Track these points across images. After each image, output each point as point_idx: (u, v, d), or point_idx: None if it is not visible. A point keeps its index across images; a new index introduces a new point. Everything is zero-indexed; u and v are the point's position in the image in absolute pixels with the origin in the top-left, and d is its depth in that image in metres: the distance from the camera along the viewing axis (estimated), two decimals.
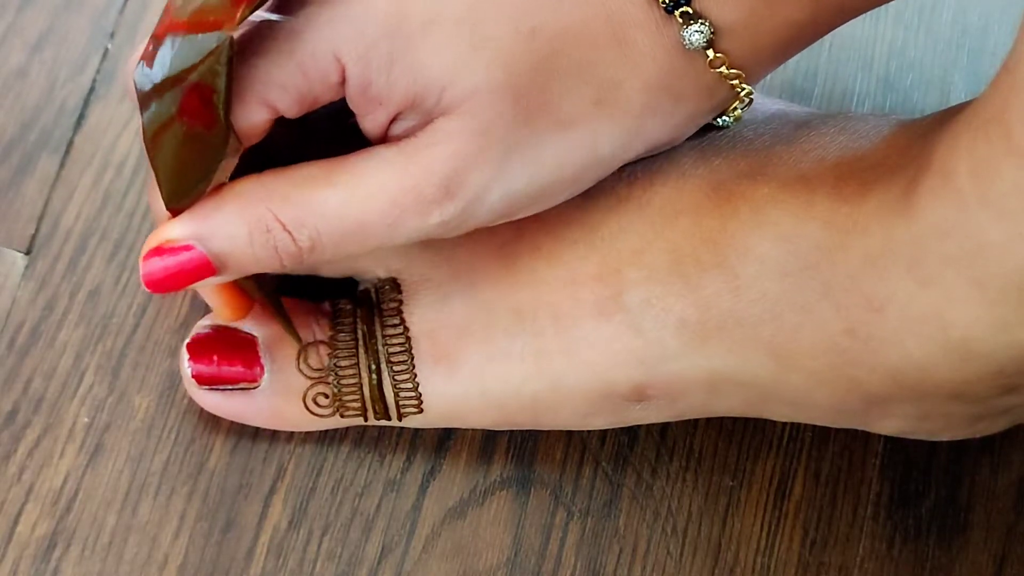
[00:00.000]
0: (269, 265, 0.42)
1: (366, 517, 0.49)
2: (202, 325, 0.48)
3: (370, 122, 0.42)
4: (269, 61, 0.40)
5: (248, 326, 0.48)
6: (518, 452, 0.50)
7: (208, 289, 0.46)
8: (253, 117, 0.41)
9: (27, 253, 0.51)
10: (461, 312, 0.46)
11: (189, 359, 0.47)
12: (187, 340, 0.48)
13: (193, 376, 0.47)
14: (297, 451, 0.49)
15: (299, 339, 0.47)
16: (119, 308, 0.50)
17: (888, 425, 0.47)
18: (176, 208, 0.42)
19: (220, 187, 0.42)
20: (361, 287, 0.49)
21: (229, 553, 0.48)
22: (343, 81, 0.41)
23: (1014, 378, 0.41)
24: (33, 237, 0.51)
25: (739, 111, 0.45)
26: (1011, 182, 0.36)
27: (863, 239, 0.41)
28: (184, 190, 0.41)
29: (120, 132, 0.52)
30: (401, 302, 0.47)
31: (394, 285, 0.47)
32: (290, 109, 0.41)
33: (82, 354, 0.50)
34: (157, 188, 0.41)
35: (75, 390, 0.49)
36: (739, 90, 0.43)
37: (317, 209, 0.41)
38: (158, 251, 0.42)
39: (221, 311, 0.47)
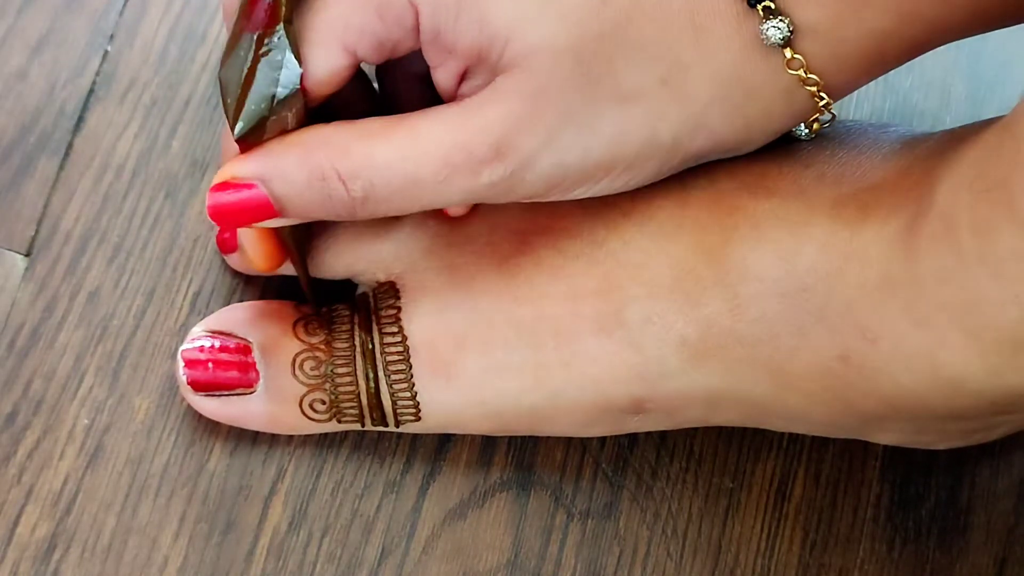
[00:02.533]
0: (323, 212, 0.43)
1: (366, 519, 0.49)
2: (198, 331, 0.48)
3: (442, 75, 0.43)
4: (348, 5, 0.41)
5: (243, 331, 0.48)
6: (518, 454, 0.50)
7: (250, 237, 0.46)
8: (333, 61, 0.42)
9: (27, 255, 0.51)
10: (460, 323, 0.46)
11: (184, 365, 0.47)
12: (182, 347, 0.48)
13: (189, 383, 0.47)
14: (297, 453, 0.49)
15: (316, 303, 0.47)
16: (119, 310, 0.50)
17: (885, 437, 0.47)
18: (244, 143, 0.43)
19: (288, 134, 0.43)
20: (359, 291, 0.49)
21: (229, 555, 0.48)
22: (417, 27, 0.41)
23: (1007, 408, 0.41)
24: (33, 239, 0.51)
25: (817, 124, 0.45)
26: (1010, 248, 0.36)
27: (860, 269, 0.41)
28: (250, 118, 0.42)
29: (120, 134, 0.52)
30: (399, 309, 0.47)
31: (393, 291, 0.47)
32: (370, 54, 0.42)
33: (82, 356, 0.50)
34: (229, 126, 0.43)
35: (75, 392, 0.49)
36: (817, 99, 0.43)
37: (372, 161, 0.42)
38: (225, 186, 0.42)
39: (257, 259, 0.47)
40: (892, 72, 0.55)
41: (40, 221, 0.51)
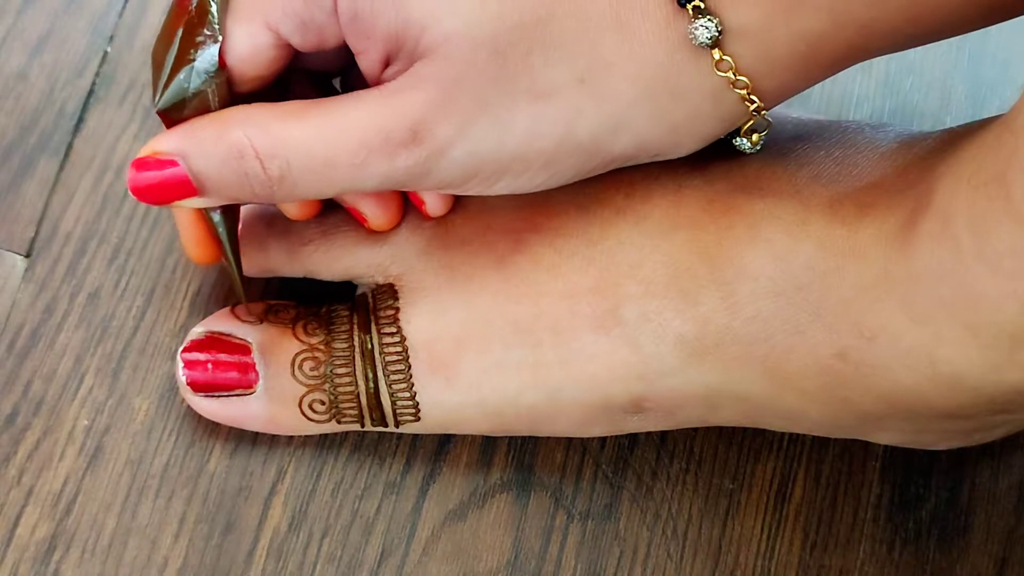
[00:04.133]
0: (240, 190, 0.43)
1: (366, 520, 0.49)
2: (197, 332, 0.48)
3: (365, 62, 0.43)
4: None
5: (242, 332, 0.48)
6: (518, 455, 0.50)
7: (184, 221, 0.46)
8: (255, 38, 0.42)
9: (27, 256, 0.51)
10: (459, 322, 0.46)
11: (184, 366, 0.47)
12: (182, 347, 0.48)
13: (188, 383, 0.47)
14: (297, 454, 0.49)
15: (244, 298, 0.47)
16: (119, 311, 0.50)
17: (884, 437, 0.47)
18: (166, 117, 0.43)
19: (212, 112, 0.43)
20: (358, 292, 0.49)
21: (229, 556, 0.48)
22: (336, 10, 0.42)
23: (1006, 406, 0.41)
24: (33, 240, 0.51)
25: (756, 135, 0.45)
26: (1008, 243, 0.36)
27: (857, 266, 0.41)
28: (172, 93, 0.43)
29: (120, 135, 0.52)
30: (398, 309, 0.47)
31: (391, 292, 0.47)
32: (293, 35, 0.42)
33: (82, 357, 0.50)
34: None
35: (75, 392, 0.49)
36: (748, 103, 0.42)
37: (290, 141, 0.42)
38: (145, 163, 0.43)
39: (188, 245, 0.47)
40: (892, 73, 0.55)
41: (40, 222, 0.51)
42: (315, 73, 0.46)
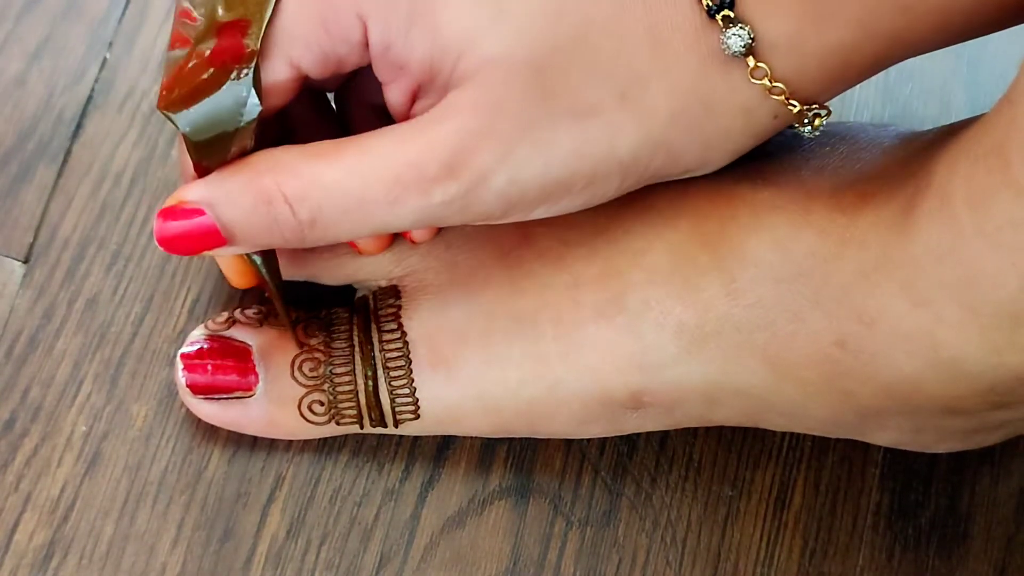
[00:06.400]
0: (271, 237, 0.42)
1: (364, 526, 0.49)
2: (196, 334, 0.48)
3: (394, 94, 0.42)
4: (293, 16, 0.41)
5: (241, 334, 0.48)
6: (517, 461, 0.50)
7: (223, 258, 0.46)
8: (276, 74, 0.41)
9: (25, 261, 0.51)
10: (460, 317, 0.46)
11: (183, 368, 0.47)
12: (181, 350, 0.48)
13: (188, 385, 0.47)
14: (295, 460, 0.49)
15: (292, 326, 0.47)
16: (117, 317, 0.50)
17: (883, 437, 0.47)
18: (200, 166, 0.42)
19: (239, 159, 0.42)
20: (359, 294, 0.49)
21: (227, 562, 0.48)
22: (366, 42, 0.41)
23: (1005, 396, 0.41)
24: (31, 246, 0.51)
25: (819, 119, 0.43)
26: (1007, 215, 0.36)
27: (858, 252, 0.41)
28: (209, 144, 0.41)
29: (118, 142, 0.52)
30: (400, 308, 0.47)
31: (393, 291, 0.47)
32: (313, 68, 0.41)
33: (80, 363, 0.50)
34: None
35: (73, 399, 0.49)
36: (791, 107, 0.42)
37: (321, 182, 0.41)
38: (172, 211, 0.42)
39: (231, 277, 0.47)
40: (892, 79, 0.55)
41: (38, 228, 0.51)
42: (311, 89, 0.46)
